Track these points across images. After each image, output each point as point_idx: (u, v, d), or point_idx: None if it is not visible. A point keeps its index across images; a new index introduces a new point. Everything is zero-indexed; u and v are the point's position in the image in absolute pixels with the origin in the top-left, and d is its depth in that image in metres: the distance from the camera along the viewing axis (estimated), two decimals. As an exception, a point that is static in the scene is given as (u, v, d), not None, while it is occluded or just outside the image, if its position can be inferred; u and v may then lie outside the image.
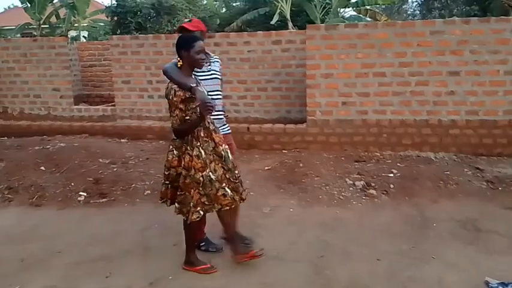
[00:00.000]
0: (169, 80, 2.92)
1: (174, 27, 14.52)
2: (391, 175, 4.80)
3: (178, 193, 2.93)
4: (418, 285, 2.89)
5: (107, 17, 15.60)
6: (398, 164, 5.18)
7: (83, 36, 21.71)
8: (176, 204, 2.97)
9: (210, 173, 2.90)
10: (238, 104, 7.26)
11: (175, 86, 2.82)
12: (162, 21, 14.47)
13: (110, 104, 7.89)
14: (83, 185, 4.71)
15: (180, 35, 3.09)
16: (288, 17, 13.12)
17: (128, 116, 7.20)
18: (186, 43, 2.89)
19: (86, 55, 9.63)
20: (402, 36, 5.66)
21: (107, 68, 8.76)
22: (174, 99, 2.80)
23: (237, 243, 3.19)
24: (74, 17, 20.12)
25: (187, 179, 2.88)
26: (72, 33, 20.85)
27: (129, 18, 13.85)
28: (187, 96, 2.80)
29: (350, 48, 5.82)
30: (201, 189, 2.89)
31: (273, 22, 12.84)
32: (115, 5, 14.81)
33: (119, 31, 14.09)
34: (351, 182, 4.68)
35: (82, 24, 20.80)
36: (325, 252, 3.34)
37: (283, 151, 6.07)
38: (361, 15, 15.42)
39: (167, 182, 3.02)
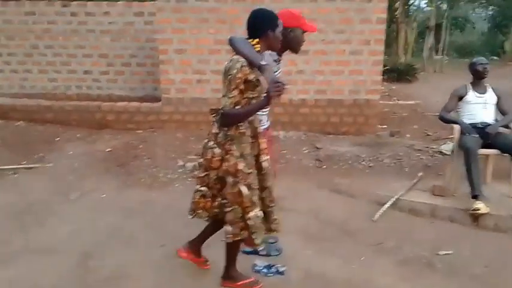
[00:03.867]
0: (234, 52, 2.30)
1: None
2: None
3: (226, 210, 2.31)
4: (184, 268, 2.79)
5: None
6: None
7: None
8: (229, 228, 2.31)
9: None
10: (100, 80, 6.86)
11: (243, 60, 2.23)
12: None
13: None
14: None
15: (258, 9, 2.42)
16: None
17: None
18: (274, 21, 2.33)
19: None
20: (251, 12, 5.52)
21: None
22: (239, 75, 2.19)
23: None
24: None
25: (236, 188, 2.27)
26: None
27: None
28: (251, 78, 2.24)
29: (202, 23, 5.61)
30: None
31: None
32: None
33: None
34: (182, 164, 4.53)
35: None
36: (108, 240, 3.14)
37: (138, 131, 5.79)
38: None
39: (202, 189, 2.41)
